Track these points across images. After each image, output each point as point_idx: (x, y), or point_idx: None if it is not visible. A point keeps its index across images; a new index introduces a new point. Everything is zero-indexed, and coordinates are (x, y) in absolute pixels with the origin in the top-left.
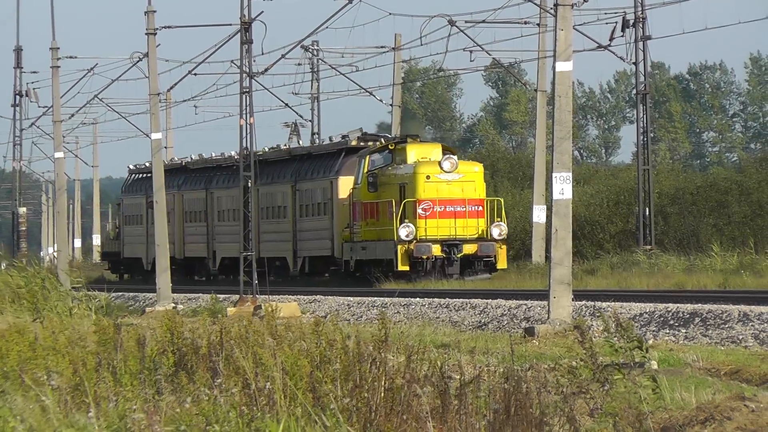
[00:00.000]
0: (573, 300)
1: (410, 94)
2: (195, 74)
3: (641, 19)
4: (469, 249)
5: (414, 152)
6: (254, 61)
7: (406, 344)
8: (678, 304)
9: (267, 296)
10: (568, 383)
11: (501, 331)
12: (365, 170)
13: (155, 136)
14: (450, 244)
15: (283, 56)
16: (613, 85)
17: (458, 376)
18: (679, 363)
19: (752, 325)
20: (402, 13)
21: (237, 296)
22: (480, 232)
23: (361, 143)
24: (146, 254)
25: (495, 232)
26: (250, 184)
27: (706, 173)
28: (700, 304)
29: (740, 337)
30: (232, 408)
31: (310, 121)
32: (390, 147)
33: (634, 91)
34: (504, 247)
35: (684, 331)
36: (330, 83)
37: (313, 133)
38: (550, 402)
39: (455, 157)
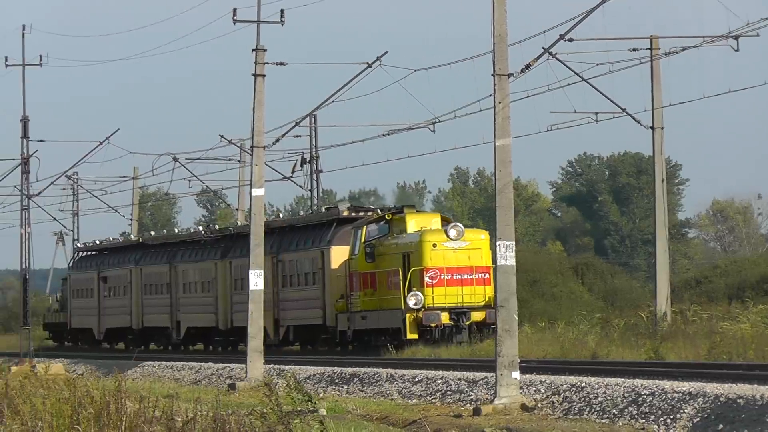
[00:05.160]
0: (264, 363)
1: (144, 212)
2: None
3: (315, 158)
4: (477, 316)
5: (414, 221)
6: (31, 186)
7: (140, 394)
8: (341, 368)
9: (41, 359)
10: (260, 425)
11: (211, 386)
12: (362, 240)
13: None
14: (458, 312)
15: (52, 183)
16: (294, 206)
17: (180, 418)
18: (342, 411)
19: (397, 384)
20: (139, 152)
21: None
22: (487, 299)
23: (352, 213)
24: (98, 325)
25: None
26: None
27: None
28: (358, 368)
29: (388, 392)
30: None
31: (71, 230)
32: (387, 217)
33: (310, 211)
34: None
35: (346, 387)
36: (86, 203)
37: (73, 240)
38: None
39: (461, 225)
